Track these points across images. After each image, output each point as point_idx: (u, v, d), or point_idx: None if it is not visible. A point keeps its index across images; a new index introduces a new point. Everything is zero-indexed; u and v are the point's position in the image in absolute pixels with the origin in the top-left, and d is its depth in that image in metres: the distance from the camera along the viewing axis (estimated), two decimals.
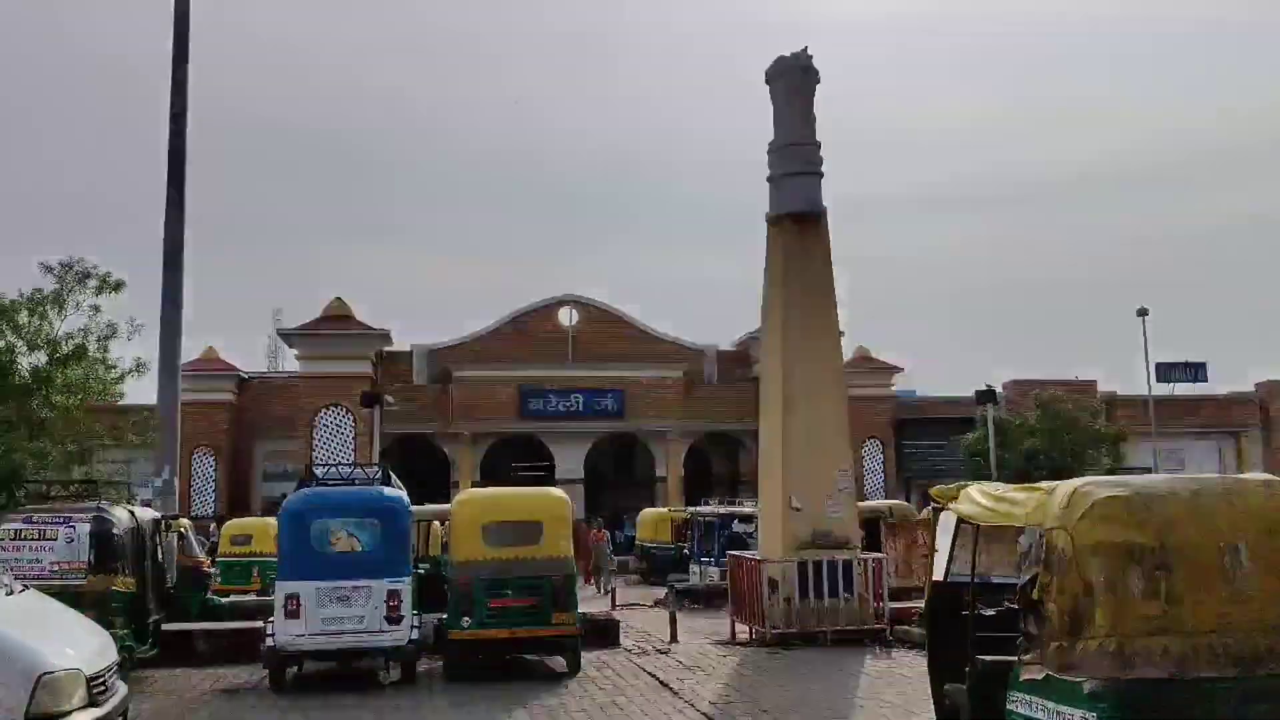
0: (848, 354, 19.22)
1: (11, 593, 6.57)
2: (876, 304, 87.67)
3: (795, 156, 17.04)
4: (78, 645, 6.30)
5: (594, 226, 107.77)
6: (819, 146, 17.27)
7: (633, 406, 41.75)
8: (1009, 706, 5.88)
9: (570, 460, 41.25)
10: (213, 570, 20.56)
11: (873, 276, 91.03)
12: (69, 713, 5.81)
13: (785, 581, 14.96)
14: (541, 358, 42.73)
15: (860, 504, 18.36)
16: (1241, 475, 7.33)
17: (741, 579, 15.84)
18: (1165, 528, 5.39)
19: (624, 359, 43.00)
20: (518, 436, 42.43)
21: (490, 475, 40.53)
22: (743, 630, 15.58)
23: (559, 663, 13.05)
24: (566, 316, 43.91)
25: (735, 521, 23.73)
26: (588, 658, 13.21)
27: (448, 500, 30.30)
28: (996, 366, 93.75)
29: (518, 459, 43.68)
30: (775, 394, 16.37)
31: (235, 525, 25.27)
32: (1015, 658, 5.90)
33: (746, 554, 16.92)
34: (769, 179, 17.25)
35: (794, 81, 17.13)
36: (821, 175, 17.19)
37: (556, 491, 14.48)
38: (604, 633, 14.97)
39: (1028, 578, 5.88)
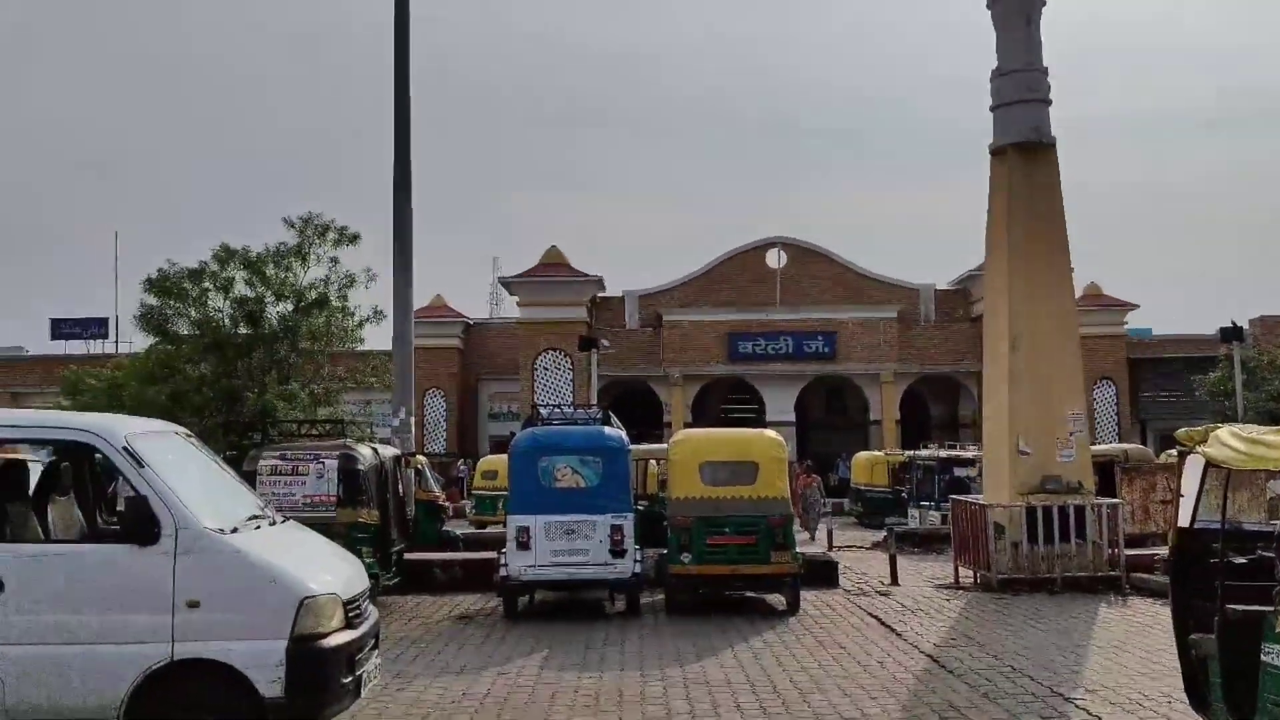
0: (1078, 290, 18.13)
1: (274, 524, 7.10)
2: (1109, 236, 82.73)
3: (1019, 83, 16.15)
4: (334, 572, 6.76)
5: (804, 166, 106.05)
6: (1045, 72, 16.30)
7: (844, 348, 41.10)
8: (1265, 658, 5.54)
9: (781, 402, 41.09)
10: (447, 504, 21.67)
11: (1104, 207, 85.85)
12: (328, 633, 6.26)
13: (1012, 526, 14.48)
14: (750, 300, 42.60)
15: (1093, 447, 17.49)
16: None
17: (965, 524, 15.43)
18: None
19: (834, 300, 42.33)
20: (727, 379, 42.59)
21: (700, 416, 40.95)
22: (966, 575, 15.21)
23: (778, 601, 13.15)
24: (775, 258, 43.53)
25: (957, 465, 23.12)
26: (806, 598, 13.24)
27: (660, 441, 30.95)
28: (1240, 302, 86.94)
29: (728, 401, 43.91)
30: (1001, 333, 15.73)
31: (486, 462, 26.97)
32: (1271, 608, 5.53)
33: (970, 498, 16.46)
34: (992, 108, 16.44)
35: (1017, 4, 16.21)
36: (1049, 102, 16.24)
37: (771, 433, 14.49)
38: (822, 573, 14.93)
39: None
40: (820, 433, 44.60)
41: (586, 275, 42.26)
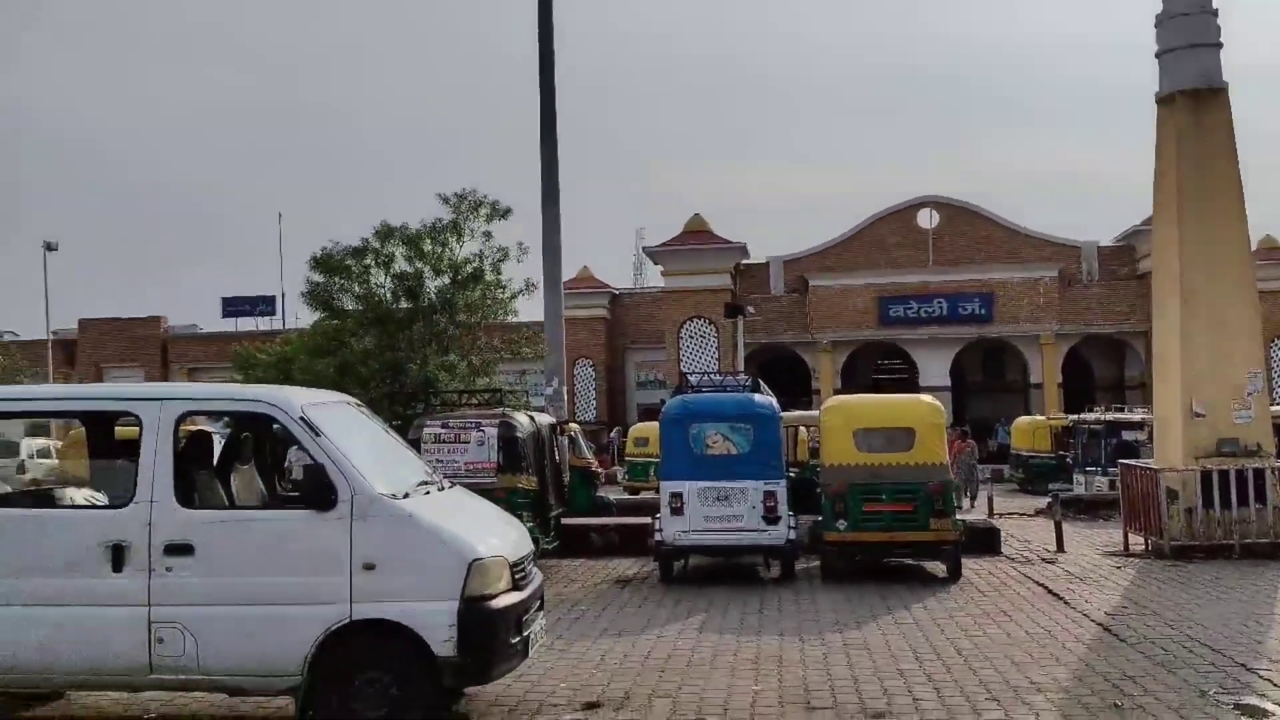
0: (1253, 243, 16.97)
1: (442, 489, 7.34)
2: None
3: (1187, 27, 15.20)
4: (500, 535, 6.95)
5: (957, 123, 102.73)
6: (1215, 14, 15.31)
7: (1002, 309, 39.82)
8: None
9: (935, 366, 40.13)
10: (600, 471, 22.02)
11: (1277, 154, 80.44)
12: (496, 595, 6.44)
13: (1186, 492, 13.82)
14: (900, 262, 41.68)
15: (1272, 408, 16.52)
16: None
17: (1135, 489, 14.81)
18: None
19: (990, 260, 41.03)
20: (878, 343, 41.82)
21: (849, 382, 40.37)
22: (1136, 542, 14.62)
23: (937, 568, 12.91)
24: (926, 218, 42.43)
25: (1124, 429, 22.20)
26: (967, 565, 12.95)
27: (807, 407, 30.65)
28: None
29: (879, 366, 43.15)
30: (1171, 290, 14.96)
31: (637, 429, 27.37)
32: None
33: (1141, 463, 15.77)
34: (1157, 55, 15.54)
35: None
36: (1219, 45, 15.26)
37: (929, 399, 14.18)
38: (984, 541, 14.57)
39: None
40: (977, 397, 43.41)
41: (730, 242, 42.07)
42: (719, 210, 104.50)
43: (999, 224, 42.06)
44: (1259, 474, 13.82)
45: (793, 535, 12.57)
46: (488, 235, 21.73)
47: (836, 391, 35.77)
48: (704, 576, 13.02)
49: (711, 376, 14.96)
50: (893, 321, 40.51)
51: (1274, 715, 6.71)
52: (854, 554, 12.82)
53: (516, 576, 6.73)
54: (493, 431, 13.63)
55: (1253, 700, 7.01)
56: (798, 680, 7.78)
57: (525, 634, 6.68)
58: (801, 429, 18.33)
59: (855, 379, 41.49)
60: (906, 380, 39.64)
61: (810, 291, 41.31)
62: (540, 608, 7.24)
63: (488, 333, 22.85)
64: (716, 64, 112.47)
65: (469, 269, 21.37)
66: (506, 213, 21.82)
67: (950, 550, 12.57)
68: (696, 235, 42.40)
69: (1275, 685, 7.35)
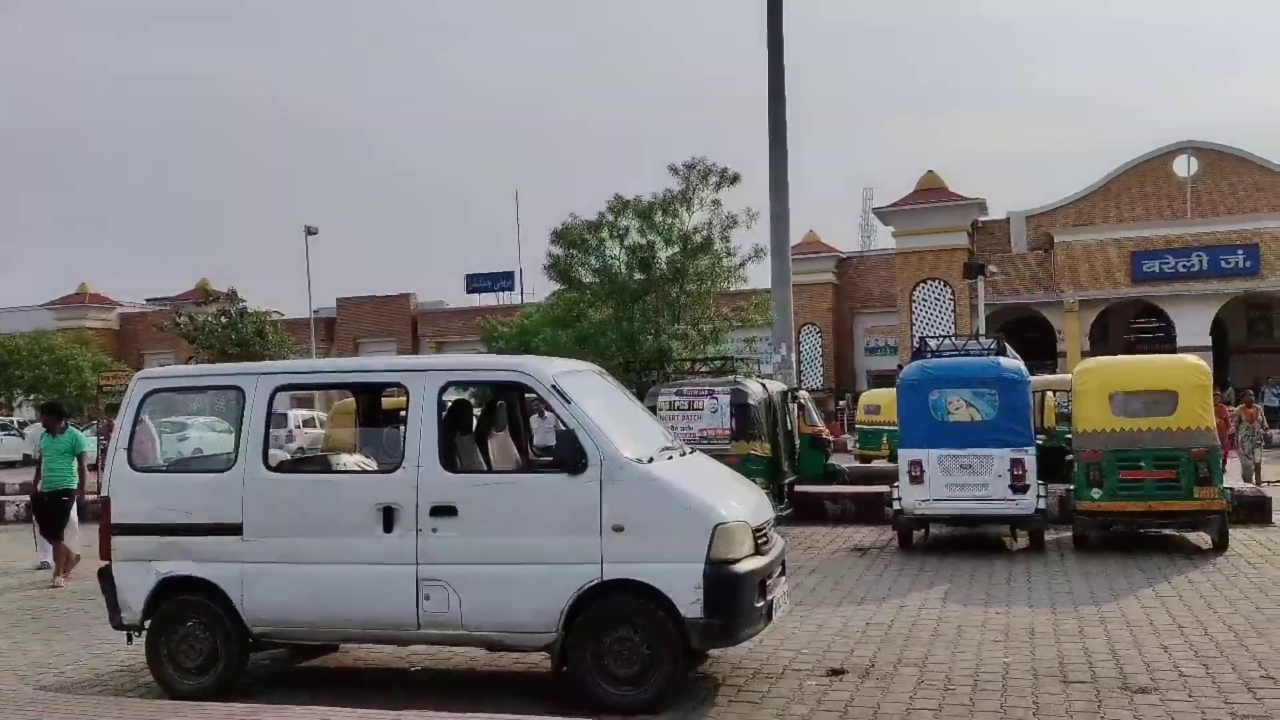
0: None
1: (684, 454, 7.48)
2: None
3: None
4: (742, 500, 7.02)
5: (1210, 61, 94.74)
6: None
7: (1269, 261, 36.70)
8: None
9: (1193, 325, 37.41)
10: (830, 438, 21.81)
11: None
12: (740, 559, 6.51)
13: None
14: (1155, 214, 39.04)
15: None
16: None
17: None
18: None
19: (1256, 208, 37.86)
20: (1130, 302, 39.36)
21: (1099, 344, 38.20)
22: None
23: (1201, 539, 12.11)
24: (1183, 166, 39.50)
25: None
26: (1235, 536, 12.08)
27: (1051, 370, 29.22)
28: None
29: (1131, 326, 40.61)
30: None
31: (868, 396, 27.05)
32: None
33: None
34: None
35: None
36: None
37: (1192, 358, 13.25)
38: (1253, 510, 13.55)
39: None
40: (1241, 358, 40.20)
41: (966, 198, 40.56)
42: (953, 166, 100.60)
43: (1266, 169, 38.65)
44: None
45: (1042, 505, 12.08)
46: (716, 204, 21.86)
47: (1084, 354, 33.95)
48: (945, 547, 12.71)
49: (952, 340, 14.52)
50: (1146, 278, 38.03)
51: None
52: (1109, 524, 12.19)
53: (759, 541, 6.79)
54: (726, 398, 13.77)
55: None
56: (1052, 652, 7.49)
57: (769, 599, 6.73)
58: (1049, 394, 17.50)
59: (1105, 340, 39.25)
60: (1162, 340, 37.12)
61: (1055, 248, 39.29)
62: (782, 573, 7.28)
63: (717, 300, 23.00)
64: (940, 11, 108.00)
65: (699, 238, 21.57)
66: (735, 179, 21.86)
67: (1216, 520, 11.73)
68: (930, 193, 41.12)
69: None
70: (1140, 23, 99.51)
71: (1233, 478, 15.11)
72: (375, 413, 8.66)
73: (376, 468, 7.70)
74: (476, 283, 53.78)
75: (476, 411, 8.21)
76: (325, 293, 55.21)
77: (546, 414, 11.50)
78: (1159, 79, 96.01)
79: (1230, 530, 11.98)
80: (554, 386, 6.89)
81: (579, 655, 6.53)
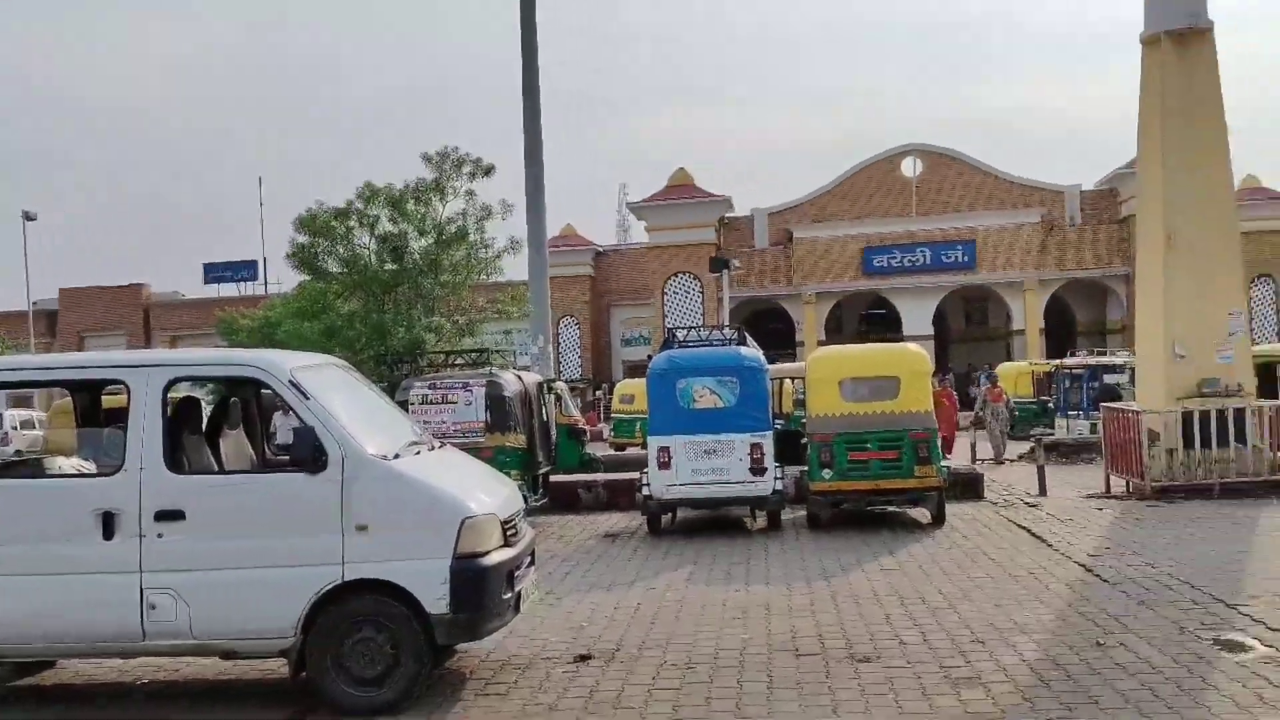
0: (1236, 183, 16.88)
1: (432, 449, 7.38)
2: (1268, 126, 77.63)
3: None
4: (491, 493, 7.00)
5: (942, 66, 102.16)
6: None
7: (985, 257, 39.96)
8: None
9: (918, 316, 40.33)
10: (587, 428, 22.11)
11: (1264, 94, 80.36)
12: (488, 552, 6.50)
13: (1167, 432, 13.99)
14: (884, 212, 41.71)
15: (1255, 348, 16.68)
16: None
17: (1117, 432, 14.98)
18: None
19: (973, 207, 41.11)
20: (862, 294, 41.93)
21: (834, 333, 40.54)
22: (1117, 484, 14.82)
23: (922, 515, 13.07)
24: (910, 166, 42.38)
25: (1106, 372, 22.37)
26: (951, 511, 13.11)
27: (792, 359, 30.74)
28: None
29: (863, 316, 43.28)
30: (1155, 232, 15.02)
31: (623, 386, 27.52)
32: None
33: (1123, 405, 15.94)
34: None
35: None
36: None
37: (914, 347, 14.29)
38: (967, 486, 14.77)
39: None
40: (959, 345, 43.66)
41: (714, 196, 42.00)
42: (703, 164, 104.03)
43: (982, 171, 42.06)
44: (1239, 414, 13.99)
45: (779, 486, 12.70)
46: (471, 194, 21.64)
47: (821, 343, 35.92)
48: (691, 529, 13.16)
49: (698, 331, 15.01)
50: (876, 271, 40.61)
51: (1253, 649, 6.86)
52: (839, 502, 12.98)
53: (508, 533, 6.80)
54: (480, 391, 13.69)
55: (1232, 635, 7.16)
56: (785, 627, 7.90)
57: (517, 590, 6.76)
58: (787, 381, 18.42)
59: (840, 330, 41.70)
60: (890, 330, 39.79)
61: (794, 243, 41.33)
62: (531, 564, 7.33)
63: (472, 292, 22.81)
64: (686, 11, 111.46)
65: (453, 229, 21.28)
66: (489, 170, 21.71)
67: (934, 496, 12.72)
68: (680, 190, 42.31)
69: (1254, 620, 7.49)
70: (890, 22, 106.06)
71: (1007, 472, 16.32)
72: (96, 412, 8.06)
73: (95, 471, 7.18)
74: (216, 272, 50.95)
75: (208, 409, 7.82)
76: (48, 283, 50.89)
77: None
78: (899, 78, 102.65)
79: (947, 505, 13.00)
80: (291, 382, 6.64)
81: (319, 659, 6.34)
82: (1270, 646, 6.83)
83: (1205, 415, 13.95)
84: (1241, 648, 6.88)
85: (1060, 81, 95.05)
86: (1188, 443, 13.94)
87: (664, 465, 12.74)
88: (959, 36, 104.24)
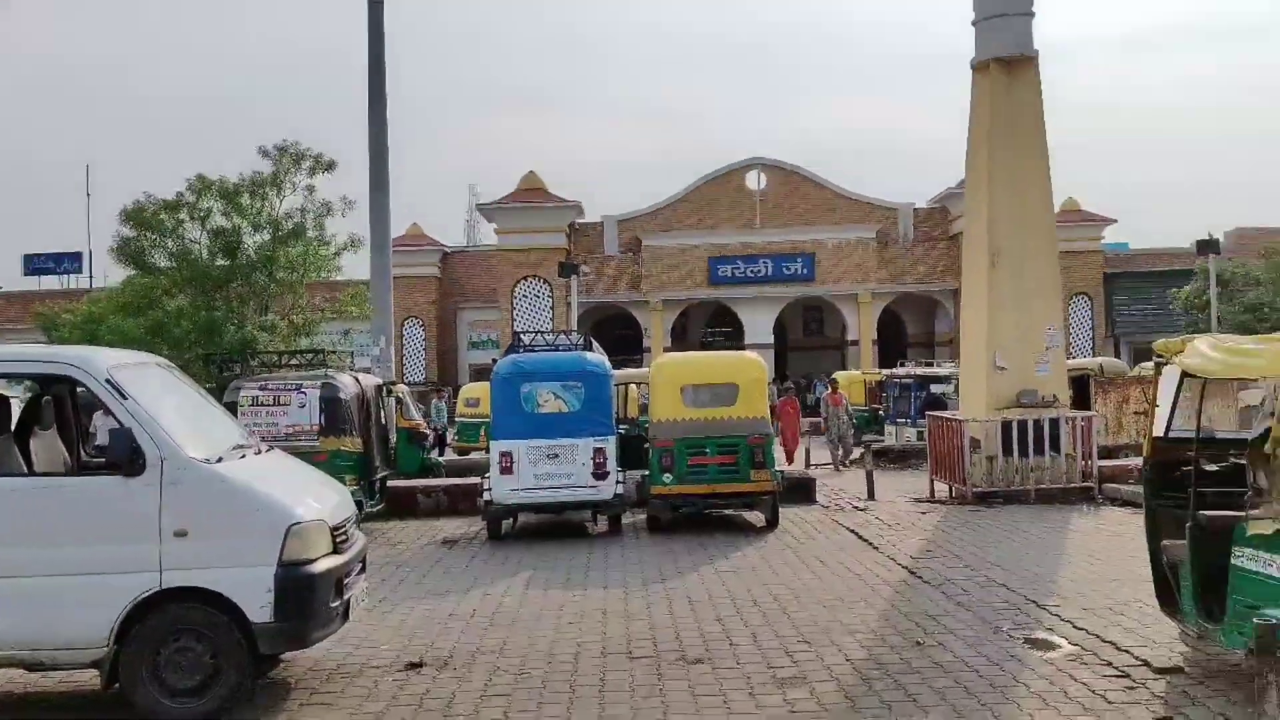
0: (1056, 205, 17.91)
1: (260, 453, 7.14)
2: (1087, 152, 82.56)
3: None
4: (320, 498, 6.81)
5: (782, 83, 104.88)
6: None
7: (823, 269, 41.16)
8: (1234, 561, 5.69)
9: (759, 325, 41.24)
10: (429, 432, 21.77)
11: (1083, 123, 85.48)
12: (316, 559, 6.33)
13: (988, 440, 14.70)
14: (729, 223, 42.47)
15: (1068, 361, 17.71)
16: None
17: (941, 439, 15.65)
18: None
19: (814, 221, 42.25)
20: (707, 303, 42.63)
21: (680, 340, 41.09)
22: (942, 489, 15.48)
23: (757, 518, 13.36)
24: (754, 180, 43.28)
25: (933, 383, 23.35)
26: (785, 514, 13.45)
27: (639, 365, 31.01)
28: (1217, 216, 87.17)
29: (708, 325, 44.03)
30: (980, 250, 15.79)
31: (468, 390, 27.12)
32: (1242, 513, 5.66)
33: (947, 414, 16.66)
34: (974, 22, 16.29)
35: None
36: (1031, 15, 16.10)
37: (752, 355, 14.64)
38: (801, 491, 15.17)
39: (1260, 431, 5.59)
40: (798, 354, 44.86)
41: (565, 201, 41.99)
42: (555, 167, 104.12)
43: (822, 186, 43.29)
44: (1054, 423, 14.81)
45: (620, 490, 12.79)
46: (310, 189, 20.94)
47: (667, 349, 36.40)
48: (532, 534, 13.11)
49: (544, 336, 14.99)
50: (721, 281, 41.36)
51: (1060, 646, 7.25)
52: (678, 506, 13.16)
53: (337, 540, 6.63)
54: (315, 393, 13.33)
55: (1041, 634, 7.56)
56: (621, 631, 7.95)
57: (346, 598, 6.60)
58: (632, 387, 18.58)
59: (685, 337, 42.27)
60: (733, 338, 40.59)
61: (643, 251, 41.71)
62: (362, 570, 7.16)
63: (310, 291, 22.13)
64: (539, 16, 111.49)
65: (290, 225, 20.58)
66: (330, 166, 21.06)
67: (769, 500, 13.03)
68: (531, 193, 42.12)
69: (1062, 620, 7.92)
70: (732, 41, 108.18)
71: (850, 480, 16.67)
72: None
73: None
74: (37, 264, 48.06)
75: (17, 408, 7.36)
76: None
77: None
78: (747, 94, 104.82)
79: (781, 509, 13.34)
80: (108, 380, 6.32)
81: (133, 669, 6.06)
82: (1076, 645, 7.23)
83: (1023, 425, 14.71)
84: (1049, 646, 7.27)
85: (899, 102, 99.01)
86: (1006, 450, 14.68)
87: (506, 470, 12.65)
88: (805, 56, 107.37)
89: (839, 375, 31.99)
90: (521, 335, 14.69)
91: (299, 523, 6.28)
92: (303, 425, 13.33)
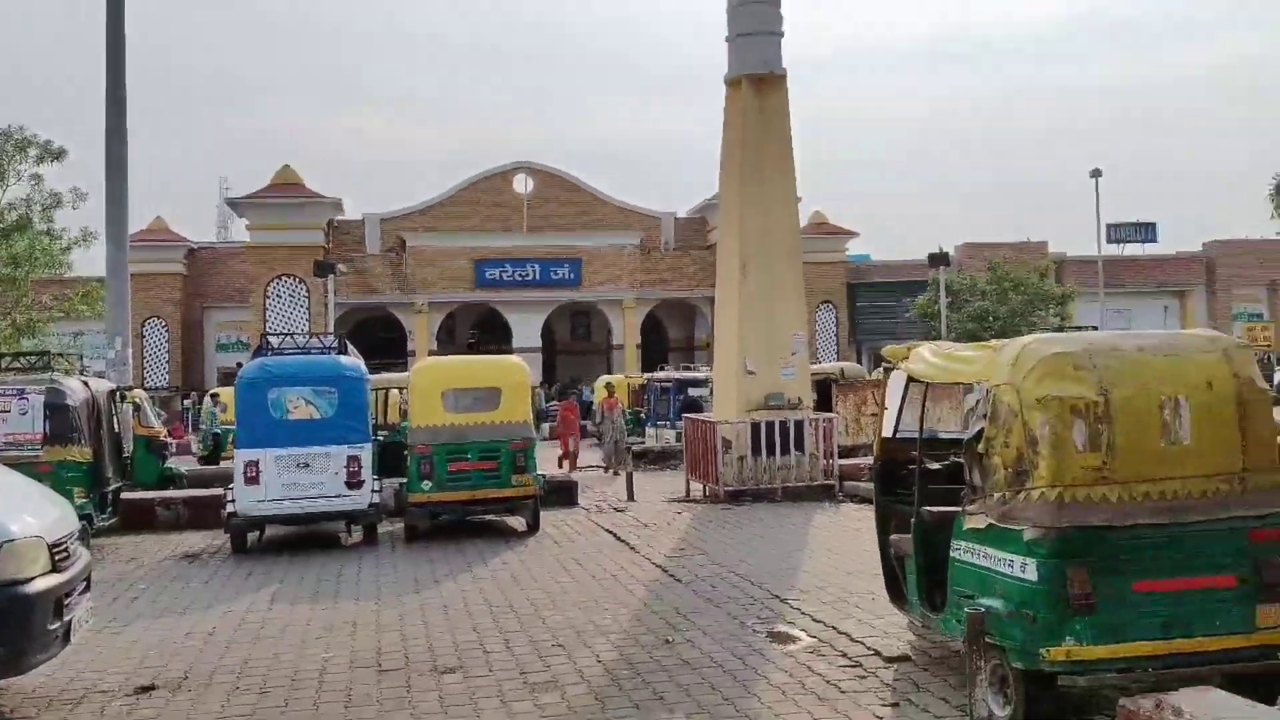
0: (804, 219, 18.91)
1: None
2: (834, 167, 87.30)
3: (753, 16, 16.66)
4: (38, 514, 6.31)
5: (553, 88, 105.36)
6: (779, 5, 16.88)
7: (589, 275, 41.60)
8: (952, 554, 6.09)
9: (527, 329, 41.25)
10: (170, 440, 20.52)
11: (831, 139, 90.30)
12: (32, 578, 5.86)
13: (739, 441, 15.26)
14: (496, 226, 42.28)
15: (813, 366, 18.63)
16: (1185, 331, 7.49)
17: (696, 440, 16.13)
18: (1109, 383, 5.48)
19: (580, 227, 42.66)
20: (474, 306, 42.27)
21: (446, 344, 40.54)
22: (697, 489, 15.95)
23: (519, 523, 13.34)
24: (521, 184, 43.28)
25: (691, 386, 24.05)
26: (547, 518, 13.51)
27: (405, 370, 30.40)
28: (951, 230, 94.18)
29: (474, 328, 43.66)
30: (732, 260, 16.38)
31: (227, 394, 25.51)
32: (960, 508, 6.08)
33: (701, 416, 17.19)
34: (727, 39, 16.89)
35: None
36: (780, 35, 16.84)
37: (515, 359, 14.60)
38: (563, 494, 15.28)
39: (974, 432, 6.03)
40: (566, 358, 45.18)
41: (323, 196, 40.56)
42: (315, 163, 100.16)
43: (589, 193, 43.82)
44: (799, 424, 15.55)
45: (376, 499, 12.46)
46: (37, 179, 19.38)
47: (432, 353, 35.79)
48: (281, 547, 12.57)
49: (294, 338, 14.44)
50: (488, 284, 41.08)
51: (799, 639, 7.60)
52: (438, 514, 12.97)
53: (57, 558, 6.15)
54: (38, 399, 12.27)
55: (782, 628, 7.90)
56: (371, 643, 7.74)
57: (67, 619, 6.13)
58: (394, 392, 18.17)
59: (452, 340, 41.75)
60: (501, 342, 40.42)
61: (408, 251, 40.86)
62: (86, 590, 6.66)
63: (37, 289, 20.45)
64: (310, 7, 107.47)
65: (14, 216, 18.97)
66: (60, 154, 19.59)
67: (530, 505, 13.04)
68: (287, 188, 40.43)
69: (802, 613, 8.31)
70: (503, 42, 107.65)
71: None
72: None
73: None
74: None
75: None
76: None
77: None
78: (521, 98, 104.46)
79: (543, 512, 13.38)
80: None
81: None
82: (814, 637, 7.60)
83: (770, 426, 15.37)
84: (790, 639, 7.61)
85: (673, 110, 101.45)
86: (755, 450, 15.29)
87: (252, 480, 12.08)
88: (575, 64, 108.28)
89: (605, 379, 32.47)
90: (270, 338, 14.09)
91: (11, 540, 5.82)
92: (24, 434, 12.25)
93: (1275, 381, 34.84)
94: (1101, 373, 5.51)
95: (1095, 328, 33.68)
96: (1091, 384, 5.46)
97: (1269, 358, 38.17)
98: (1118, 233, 42.23)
